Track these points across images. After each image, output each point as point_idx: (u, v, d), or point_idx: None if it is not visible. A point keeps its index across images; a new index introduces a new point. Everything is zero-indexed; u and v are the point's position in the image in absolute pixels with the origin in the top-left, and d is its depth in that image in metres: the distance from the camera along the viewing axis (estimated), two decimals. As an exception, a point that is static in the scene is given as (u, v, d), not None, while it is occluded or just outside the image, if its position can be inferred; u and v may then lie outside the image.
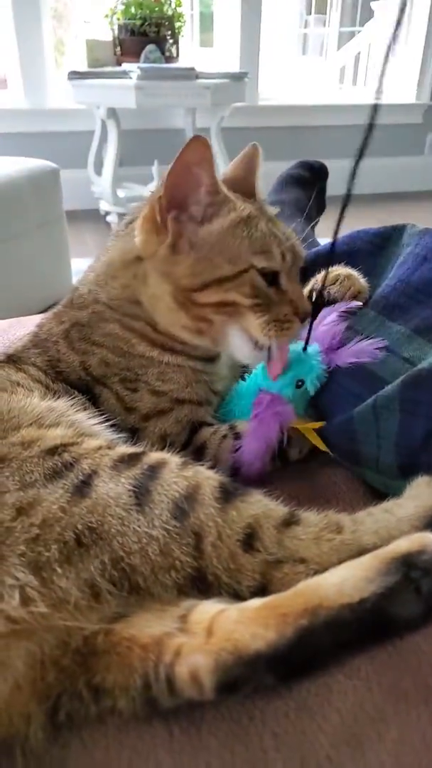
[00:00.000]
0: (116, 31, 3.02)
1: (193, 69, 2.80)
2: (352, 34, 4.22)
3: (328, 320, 0.72)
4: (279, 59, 4.12)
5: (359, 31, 4.10)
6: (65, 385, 0.69)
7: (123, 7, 2.96)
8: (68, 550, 0.46)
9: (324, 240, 0.91)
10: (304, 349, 0.70)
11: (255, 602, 0.46)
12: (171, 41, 3.03)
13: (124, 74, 2.76)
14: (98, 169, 3.12)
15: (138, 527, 0.47)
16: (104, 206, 3.12)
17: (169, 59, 3.03)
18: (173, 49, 3.06)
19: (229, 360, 0.80)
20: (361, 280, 0.77)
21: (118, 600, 0.46)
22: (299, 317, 0.68)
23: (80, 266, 2.36)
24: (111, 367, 0.70)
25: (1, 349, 0.76)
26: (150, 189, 3.07)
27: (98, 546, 0.46)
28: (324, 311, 0.73)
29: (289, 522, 0.51)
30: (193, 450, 0.69)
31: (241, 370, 0.80)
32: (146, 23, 2.92)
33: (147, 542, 0.47)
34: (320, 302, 0.74)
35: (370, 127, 0.55)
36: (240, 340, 0.69)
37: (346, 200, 0.60)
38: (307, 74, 4.29)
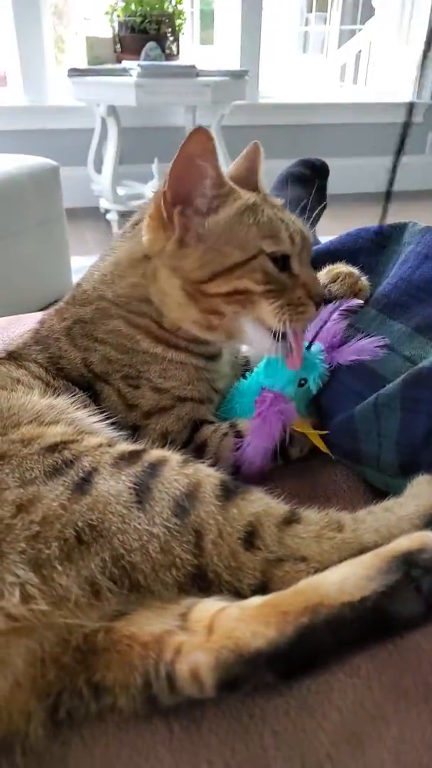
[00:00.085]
0: (116, 29, 3.01)
1: (193, 67, 2.80)
2: (353, 32, 4.20)
3: (330, 318, 0.71)
4: (279, 57, 4.11)
5: (360, 29, 4.08)
6: (66, 382, 0.69)
7: (123, 4, 2.95)
8: (69, 548, 0.46)
9: (325, 238, 0.91)
10: (308, 347, 0.70)
11: (256, 600, 0.46)
12: (171, 39, 3.03)
13: (125, 72, 2.75)
14: (98, 166, 3.12)
15: (138, 525, 0.47)
16: (104, 204, 3.12)
17: (170, 57, 3.02)
18: (174, 47, 3.05)
19: (231, 358, 0.79)
20: (362, 279, 0.77)
21: (119, 598, 0.46)
22: (314, 301, 0.67)
23: (80, 264, 2.37)
24: (113, 364, 0.70)
25: (2, 346, 0.76)
26: (150, 187, 3.07)
27: (99, 543, 0.46)
28: (325, 309, 0.73)
29: (290, 520, 0.51)
30: (194, 448, 0.69)
31: (243, 369, 0.80)
32: (146, 20, 2.92)
33: (147, 540, 0.47)
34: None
35: (406, 125, 0.55)
36: (255, 332, 0.67)
37: (387, 198, 0.59)
38: (307, 72, 4.27)
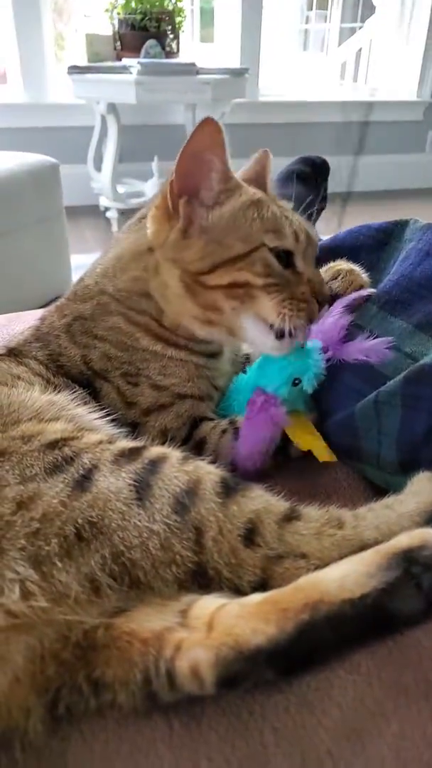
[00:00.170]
0: (116, 26, 3.00)
1: (193, 64, 2.79)
2: (353, 30, 4.20)
3: (335, 312, 0.71)
4: (280, 55, 4.10)
5: (360, 27, 4.08)
6: (66, 379, 0.69)
7: (123, 1, 2.95)
8: (68, 545, 0.46)
9: (325, 237, 0.91)
10: (302, 344, 0.69)
11: (256, 597, 0.46)
12: (171, 36, 3.02)
13: (124, 69, 2.75)
14: (98, 164, 3.12)
15: (139, 522, 0.47)
16: (104, 202, 3.12)
17: (170, 54, 3.01)
18: (174, 45, 3.05)
19: (231, 356, 0.79)
20: (363, 275, 0.76)
21: (119, 594, 0.46)
22: (317, 299, 0.66)
23: (79, 262, 2.36)
24: (112, 361, 0.70)
25: (2, 343, 0.76)
26: (150, 185, 3.07)
27: (99, 540, 0.46)
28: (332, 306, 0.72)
29: (290, 517, 0.51)
30: (194, 445, 0.69)
31: (242, 365, 0.80)
32: (147, 18, 2.91)
33: (147, 537, 0.47)
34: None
35: (364, 125, 0.55)
36: (256, 330, 0.66)
37: (346, 198, 0.59)
38: (307, 70, 4.27)
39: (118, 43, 3.02)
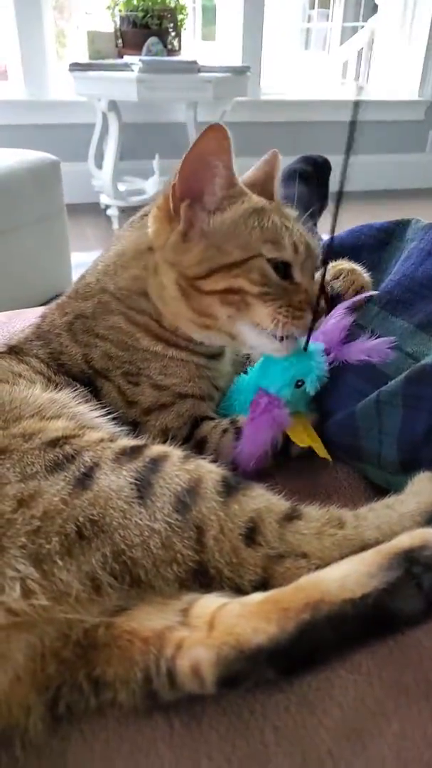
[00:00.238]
0: (118, 23, 3.00)
1: (195, 62, 2.79)
2: (355, 29, 4.20)
3: (337, 313, 0.71)
4: (281, 54, 4.10)
5: (362, 26, 4.08)
6: (67, 377, 0.69)
7: (125, -2, 2.95)
8: (69, 543, 0.45)
9: (327, 236, 0.91)
10: (305, 347, 0.69)
11: (257, 596, 0.46)
12: (173, 34, 3.02)
13: (126, 67, 2.74)
14: (99, 162, 3.11)
15: (140, 520, 0.47)
16: (105, 200, 3.11)
17: (171, 52, 3.01)
18: (175, 42, 3.04)
19: (232, 356, 0.79)
20: (365, 275, 0.76)
21: (119, 593, 0.46)
22: (312, 309, 0.66)
23: (80, 260, 2.36)
24: (113, 361, 0.70)
25: (3, 341, 0.76)
26: (151, 183, 3.07)
27: (99, 539, 0.46)
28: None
29: (291, 516, 0.51)
30: (194, 444, 0.69)
31: (243, 365, 0.80)
32: (148, 15, 2.90)
33: (149, 535, 0.47)
34: (325, 297, 0.74)
35: (353, 123, 0.55)
36: (256, 336, 0.67)
37: (339, 198, 0.59)
38: (309, 69, 4.27)
39: (120, 41, 3.02)
